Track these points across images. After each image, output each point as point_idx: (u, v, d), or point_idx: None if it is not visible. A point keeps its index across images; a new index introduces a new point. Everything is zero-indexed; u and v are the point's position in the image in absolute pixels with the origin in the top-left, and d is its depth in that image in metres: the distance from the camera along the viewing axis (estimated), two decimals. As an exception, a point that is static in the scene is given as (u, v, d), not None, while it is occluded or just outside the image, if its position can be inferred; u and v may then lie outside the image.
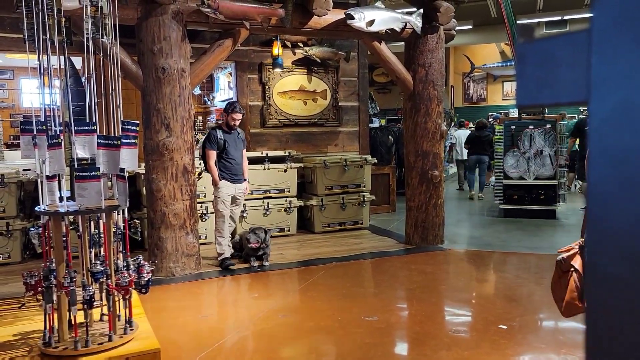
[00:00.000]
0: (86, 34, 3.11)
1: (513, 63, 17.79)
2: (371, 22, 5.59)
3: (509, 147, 8.11)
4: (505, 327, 3.74)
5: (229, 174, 5.44)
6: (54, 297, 2.84)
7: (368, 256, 5.91)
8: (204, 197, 6.39)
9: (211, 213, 6.30)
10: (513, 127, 8.16)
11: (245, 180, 5.66)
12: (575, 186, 11.56)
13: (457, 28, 6.66)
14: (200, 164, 5.94)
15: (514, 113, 13.70)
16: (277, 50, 7.20)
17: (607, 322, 0.51)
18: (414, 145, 6.23)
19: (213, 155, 5.38)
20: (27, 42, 2.93)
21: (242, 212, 6.38)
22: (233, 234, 5.89)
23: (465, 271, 5.54)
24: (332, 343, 3.62)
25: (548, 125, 7.95)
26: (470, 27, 14.10)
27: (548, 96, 0.51)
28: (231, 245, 5.67)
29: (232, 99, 7.38)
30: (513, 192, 8.10)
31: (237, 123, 5.48)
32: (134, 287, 3.00)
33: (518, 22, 10.90)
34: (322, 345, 3.63)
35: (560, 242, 6.70)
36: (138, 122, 3.32)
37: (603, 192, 0.50)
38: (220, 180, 5.39)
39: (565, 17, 13.82)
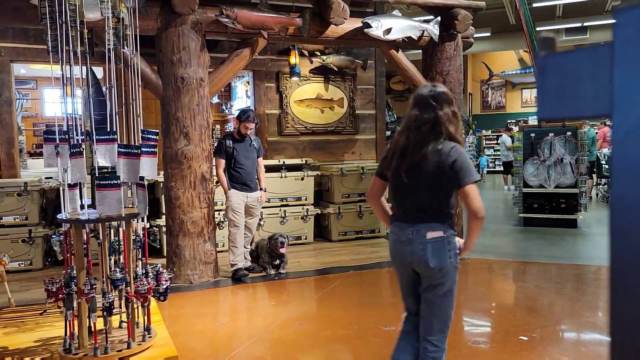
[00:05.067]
0: (108, 44, 3.17)
1: (532, 70, 17.64)
2: (388, 31, 5.59)
3: (529, 155, 8.01)
4: (525, 338, 3.68)
5: (238, 183, 5.34)
6: (75, 304, 2.87)
7: (385, 265, 5.87)
8: (222, 204, 6.42)
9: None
10: (533, 134, 8.07)
11: (260, 189, 5.55)
12: (597, 195, 11.38)
13: (475, 35, 6.63)
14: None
15: (533, 120, 13.54)
16: (294, 59, 7.24)
17: (633, 334, 0.50)
18: (431, 154, 6.18)
19: (221, 163, 5.31)
20: (50, 53, 3.00)
21: (260, 219, 6.36)
22: (250, 243, 5.84)
23: (484, 280, 5.47)
24: (350, 352, 3.60)
25: (568, 133, 7.85)
26: (488, 34, 14.03)
27: (570, 109, 0.50)
28: (248, 258, 5.61)
29: (249, 107, 7.42)
30: (533, 200, 8.00)
31: (249, 132, 5.37)
32: (152, 294, 3.03)
33: (537, 29, 10.81)
34: (339, 354, 3.61)
35: (581, 251, 6.58)
36: (158, 131, 3.37)
37: (626, 204, 0.49)
38: (229, 189, 5.31)
39: (586, 24, 13.65)
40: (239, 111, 5.64)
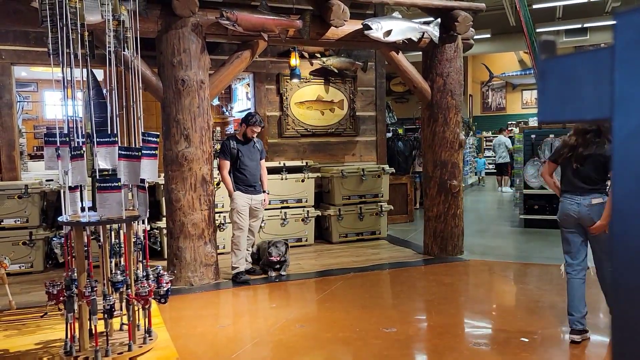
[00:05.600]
0: (108, 47, 3.18)
1: (532, 71, 17.65)
2: (388, 33, 5.59)
3: (530, 156, 8.01)
4: (526, 340, 3.67)
5: (242, 185, 5.33)
6: (76, 307, 2.87)
7: (386, 267, 5.87)
8: (222, 207, 6.43)
9: (229, 223, 6.33)
10: (533, 136, 8.07)
11: (264, 192, 5.54)
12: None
13: (475, 37, 6.63)
14: (217, 174, 5.92)
15: (534, 122, 13.56)
16: (294, 61, 7.25)
17: (635, 337, 0.50)
18: (432, 155, 6.19)
19: (226, 165, 5.30)
20: (51, 56, 3.00)
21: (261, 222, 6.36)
22: (252, 246, 5.82)
23: (485, 282, 5.47)
24: (351, 354, 3.60)
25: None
26: (488, 35, 14.04)
27: (570, 112, 0.51)
28: (250, 260, 5.61)
29: (250, 109, 7.43)
30: (534, 202, 7.99)
31: (255, 135, 5.42)
32: (153, 296, 3.03)
33: (537, 30, 10.81)
34: (340, 356, 3.61)
35: (582, 253, 6.58)
36: (158, 133, 3.37)
37: (628, 208, 0.49)
38: (234, 190, 5.31)
39: (586, 25, 13.66)
40: (245, 114, 5.59)
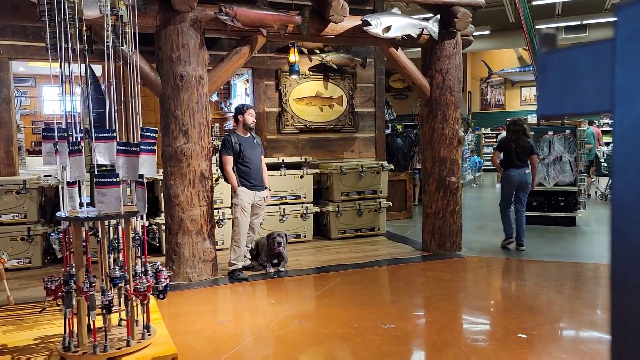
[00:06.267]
0: (106, 42, 3.17)
1: (531, 68, 17.65)
2: (388, 29, 5.58)
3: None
4: (524, 336, 3.68)
5: (247, 180, 5.29)
6: (74, 302, 2.87)
7: (384, 263, 5.87)
8: (221, 203, 6.43)
9: (228, 219, 6.33)
10: (532, 132, 8.06)
11: (266, 188, 5.52)
12: (596, 193, 11.39)
13: (474, 33, 6.62)
14: (216, 170, 5.89)
15: (532, 119, 13.56)
16: (293, 57, 7.23)
17: (634, 332, 0.50)
18: (431, 152, 6.19)
19: (229, 160, 5.25)
20: (49, 51, 2.99)
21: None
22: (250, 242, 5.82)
23: (483, 279, 5.48)
24: (349, 350, 3.60)
25: (568, 131, 7.85)
26: (487, 32, 14.01)
27: (571, 106, 0.50)
28: (248, 256, 5.59)
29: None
30: (532, 198, 7.98)
31: (254, 120, 5.44)
32: (151, 292, 3.03)
33: (536, 27, 10.80)
34: (338, 352, 3.61)
35: (580, 249, 6.59)
36: (157, 128, 3.36)
37: (628, 201, 0.49)
38: (239, 186, 5.27)
39: (585, 22, 13.65)
40: (234, 109, 5.65)
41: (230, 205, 5.66)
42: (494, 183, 14.66)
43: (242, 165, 5.30)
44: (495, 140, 17.88)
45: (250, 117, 5.35)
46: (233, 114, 5.64)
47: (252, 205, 5.37)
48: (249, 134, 5.42)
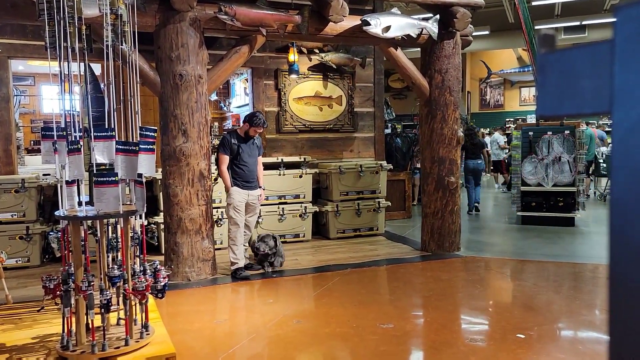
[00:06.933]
0: (106, 41, 3.16)
1: (531, 69, 17.67)
2: (387, 29, 5.58)
3: (527, 153, 8.02)
4: (523, 336, 3.69)
5: (240, 181, 5.31)
6: (72, 301, 2.87)
7: (383, 263, 5.87)
8: (220, 202, 6.42)
9: (226, 218, 6.32)
10: (531, 133, 8.08)
11: (260, 187, 5.54)
12: (595, 193, 11.40)
13: (474, 34, 6.62)
14: (215, 169, 5.89)
15: (531, 119, 13.57)
16: (293, 56, 7.23)
17: (632, 332, 0.50)
18: (430, 152, 6.19)
19: (225, 160, 5.27)
20: (48, 49, 2.99)
21: (258, 217, 6.36)
22: (249, 241, 5.83)
23: (482, 279, 5.48)
24: (347, 350, 3.61)
25: (566, 132, 7.85)
26: (487, 32, 14.03)
27: (570, 107, 0.50)
28: (248, 255, 5.59)
29: (247, 105, 7.41)
30: (531, 199, 8.01)
31: (258, 136, 5.43)
32: (150, 291, 3.03)
33: (536, 27, 10.81)
34: (337, 352, 3.62)
35: (579, 250, 6.60)
36: (156, 128, 3.36)
37: (626, 202, 0.49)
38: (232, 186, 5.28)
39: (584, 23, 13.67)
40: (250, 113, 5.51)
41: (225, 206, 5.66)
42: (491, 183, 14.66)
43: (237, 167, 5.31)
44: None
45: (253, 132, 5.33)
46: (246, 117, 5.49)
47: (246, 204, 5.38)
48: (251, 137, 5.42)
